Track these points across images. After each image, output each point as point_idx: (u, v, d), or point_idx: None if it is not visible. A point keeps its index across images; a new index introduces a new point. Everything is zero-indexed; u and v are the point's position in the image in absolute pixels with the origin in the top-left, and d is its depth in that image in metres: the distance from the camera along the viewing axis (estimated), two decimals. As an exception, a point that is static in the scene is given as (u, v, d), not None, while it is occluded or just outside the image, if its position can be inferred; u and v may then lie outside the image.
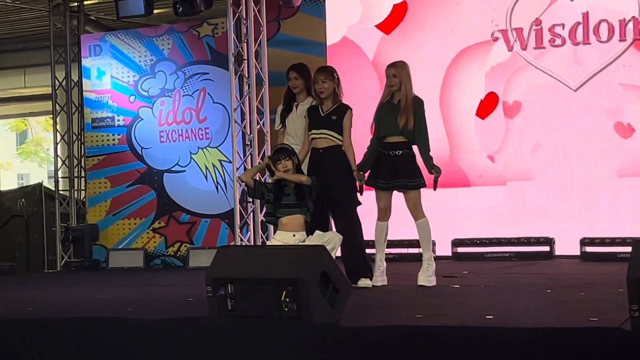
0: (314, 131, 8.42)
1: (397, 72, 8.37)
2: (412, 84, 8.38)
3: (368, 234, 8.49)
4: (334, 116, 8.38)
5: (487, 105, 12.16)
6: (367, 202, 8.51)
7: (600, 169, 11.47)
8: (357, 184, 8.41)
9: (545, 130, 11.84)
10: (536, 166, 11.84)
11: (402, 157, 8.31)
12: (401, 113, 8.26)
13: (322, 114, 8.41)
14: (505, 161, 12.06)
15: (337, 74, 8.51)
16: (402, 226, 8.96)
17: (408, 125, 8.25)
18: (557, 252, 11.48)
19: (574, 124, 11.66)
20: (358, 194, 8.45)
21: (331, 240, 7.66)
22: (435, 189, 8.26)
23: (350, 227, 8.28)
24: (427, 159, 8.33)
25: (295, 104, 8.86)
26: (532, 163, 11.88)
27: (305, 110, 8.64)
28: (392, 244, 9.67)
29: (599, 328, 4.91)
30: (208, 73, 13.29)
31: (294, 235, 7.87)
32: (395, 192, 8.43)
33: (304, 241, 7.83)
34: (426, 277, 8.29)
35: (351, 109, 8.46)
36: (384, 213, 8.44)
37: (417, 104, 8.35)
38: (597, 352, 4.60)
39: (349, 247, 8.19)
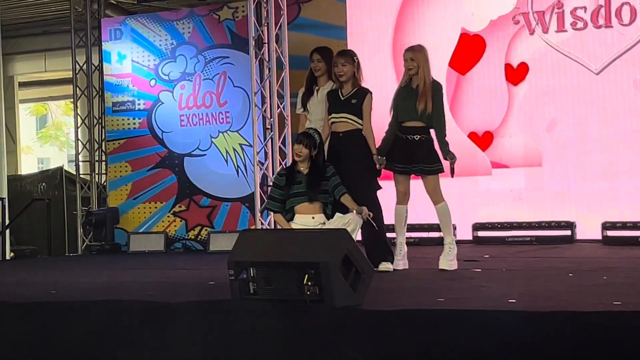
0: (333, 115, 8.40)
1: (415, 55, 8.32)
2: (430, 67, 8.34)
3: (388, 217, 8.47)
4: (354, 100, 8.36)
5: (468, 54, 11.79)
6: (386, 186, 8.50)
7: (623, 152, 11.41)
8: (377, 167, 8.38)
9: (562, 107, 11.68)
10: (553, 148, 11.73)
11: (420, 142, 8.28)
12: (420, 98, 8.22)
13: (342, 98, 8.40)
14: (511, 140, 11.87)
15: (357, 58, 8.49)
16: (423, 210, 8.95)
17: (427, 110, 8.21)
18: (579, 236, 11.45)
19: (595, 107, 11.58)
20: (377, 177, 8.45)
21: (351, 222, 7.68)
22: (452, 176, 8.24)
23: (370, 211, 8.25)
24: (443, 145, 8.30)
25: (317, 88, 8.83)
26: (547, 144, 11.77)
27: (325, 94, 8.61)
28: (412, 228, 9.67)
29: (623, 312, 4.88)
30: (228, 57, 13.29)
31: (313, 218, 7.88)
32: (414, 176, 8.41)
33: (324, 223, 7.83)
34: (447, 261, 8.27)
35: (371, 93, 8.43)
36: (403, 196, 8.42)
37: (436, 88, 8.31)
38: (622, 336, 4.58)
39: (369, 231, 8.18)
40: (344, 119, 8.36)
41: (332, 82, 8.63)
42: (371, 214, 7.83)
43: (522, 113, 11.86)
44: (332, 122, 8.41)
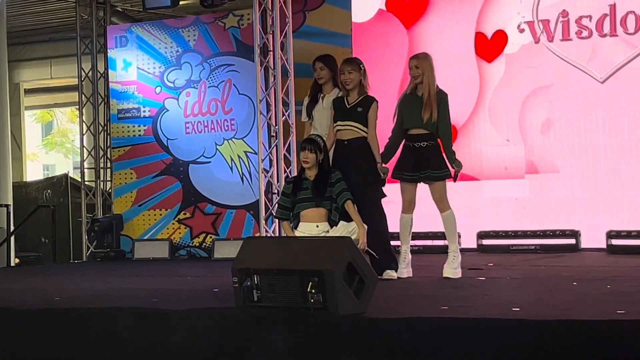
0: (339, 123, 8.39)
1: (420, 63, 8.32)
2: (435, 75, 8.33)
3: (393, 225, 8.47)
4: (360, 108, 8.34)
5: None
6: (392, 194, 8.49)
7: (628, 160, 11.40)
8: (381, 177, 8.37)
9: (567, 116, 11.62)
10: (555, 155, 11.69)
11: (427, 148, 8.27)
12: (425, 106, 8.22)
13: (348, 106, 8.38)
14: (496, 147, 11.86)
15: (363, 66, 8.47)
16: (427, 218, 8.94)
17: (432, 118, 8.21)
18: (583, 245, 11.43)
19: (600, 115, 11.56)
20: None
21: (355, 231, 7.67)
22: (455, 181, 8.24)
23: (375, 219, 8.24)
24: (450, 153, 8.30)
25: (322, 95, 8.82)
26: (549, 150, 11.72)
27: (331, 101, 8.61)
28: (417, 235, 9.64)
29: (626, 321, 4.88)
30: (234, 64, 13.31)
31: (317, 226, 7.86)
32: (420, 185, 8.40)
33: (327, 231, 7.82)
34: (452, 269, 8.27)
35: (377, 101, 8.42)
36: (409, 205, 8.41)
37: (441, 98, 8.29)
38: (625, 345, 4.58)
39: (373, 239, 8.16)
40: (350, 127, 8.35)
41: (338, 89, 8.63)
42: (366, 248, 7.80)
43: (499, 102, 11.64)
44: (338, 130, 8.40)
